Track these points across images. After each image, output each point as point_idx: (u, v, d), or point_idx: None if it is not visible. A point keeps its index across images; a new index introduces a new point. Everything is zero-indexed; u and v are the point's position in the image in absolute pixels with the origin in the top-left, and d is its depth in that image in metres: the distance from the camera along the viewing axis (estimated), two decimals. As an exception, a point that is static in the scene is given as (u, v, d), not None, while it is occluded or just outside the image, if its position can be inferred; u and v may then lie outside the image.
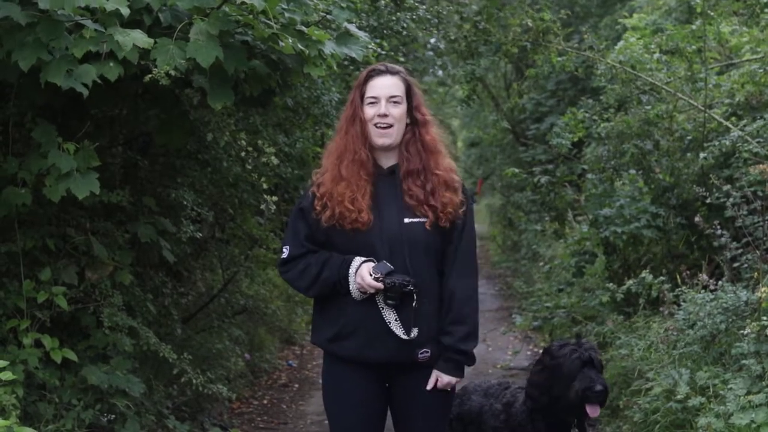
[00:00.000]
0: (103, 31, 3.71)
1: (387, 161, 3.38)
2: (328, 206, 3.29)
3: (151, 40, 3.70)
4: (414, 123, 3.37)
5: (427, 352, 3.30)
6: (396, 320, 3.25)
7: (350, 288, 3.24)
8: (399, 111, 3.32)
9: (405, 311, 3.24)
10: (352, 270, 3.24)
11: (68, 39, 3.72)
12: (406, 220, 3.29)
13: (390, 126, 3.30)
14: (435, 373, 3.35)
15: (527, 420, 3.82)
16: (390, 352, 3.27)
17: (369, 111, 3.32)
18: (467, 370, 3.47)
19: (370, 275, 3.19)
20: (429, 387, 3.35)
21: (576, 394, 3.67)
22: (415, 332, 3.25)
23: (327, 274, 3.28)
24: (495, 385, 4.14)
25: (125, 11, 3.61)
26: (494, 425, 3.95)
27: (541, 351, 4.08)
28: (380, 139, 3.31)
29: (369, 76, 3.35)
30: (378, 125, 3.30)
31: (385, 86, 3.32)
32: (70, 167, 4.06)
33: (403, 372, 3.35)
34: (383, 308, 3.25)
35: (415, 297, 3.22)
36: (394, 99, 3.32)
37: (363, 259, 3.25)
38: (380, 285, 3.18)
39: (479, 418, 4.02)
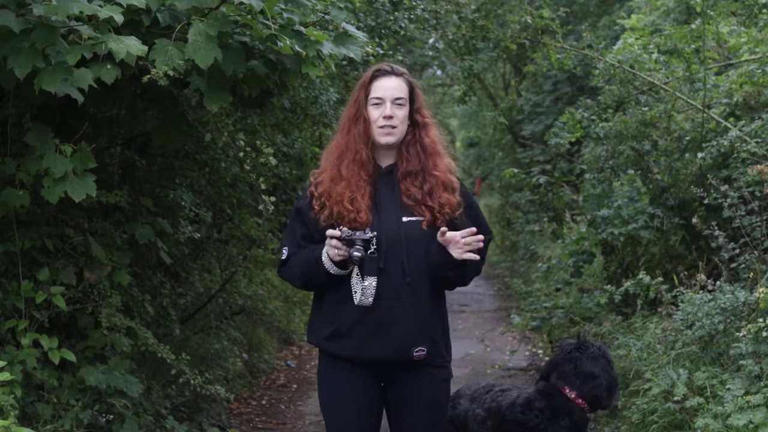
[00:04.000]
0: (98, 36, 3.69)
1: (386, 160, 3.37)
2: (327, 205, 3.29)
3: (145, 48, 3.67)
4: (414, 125, 3.37)
5: (423, 350, 3.29)
6: (359, 285, 3.20)
7: (323, 259, 3.21)
8: (403, 112, 3.32)
9: (367, 270, 3.19)
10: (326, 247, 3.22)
11: (63, 45, 3.69)
12: (405, 219, 3.29)
13: (395, 127, 3.31)
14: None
15: (548, 422, 3.77)
16: (385, 352, 3.27)
17: (374, 112, 3.31)
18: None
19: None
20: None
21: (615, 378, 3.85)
22: (371, 280, 3.18)
23: (307, 256, 3.28)
24: (480, 388, 4.11)
25: (119, 18, 3.57)
26: (478, 431, 3.92)
27: (576, 352, 3.89)
28: (384, 138, 3.30)
29: (374, 76, 3.34)
30: (383, 126, 3.29)
31: (391, 87, 3.32)
32: (65, 170, 4.03)
33: (399, 371, 3.34)
34: (353, 275, 3.20)
35: (373, 244, 3.17)
36: (399, 101, 3.31)
37: None
38: (337, 233, 3.15)
39: (465, 422, 4.00)
